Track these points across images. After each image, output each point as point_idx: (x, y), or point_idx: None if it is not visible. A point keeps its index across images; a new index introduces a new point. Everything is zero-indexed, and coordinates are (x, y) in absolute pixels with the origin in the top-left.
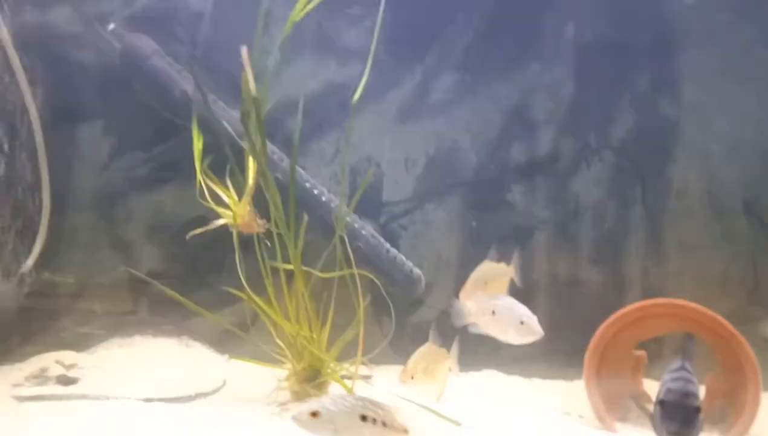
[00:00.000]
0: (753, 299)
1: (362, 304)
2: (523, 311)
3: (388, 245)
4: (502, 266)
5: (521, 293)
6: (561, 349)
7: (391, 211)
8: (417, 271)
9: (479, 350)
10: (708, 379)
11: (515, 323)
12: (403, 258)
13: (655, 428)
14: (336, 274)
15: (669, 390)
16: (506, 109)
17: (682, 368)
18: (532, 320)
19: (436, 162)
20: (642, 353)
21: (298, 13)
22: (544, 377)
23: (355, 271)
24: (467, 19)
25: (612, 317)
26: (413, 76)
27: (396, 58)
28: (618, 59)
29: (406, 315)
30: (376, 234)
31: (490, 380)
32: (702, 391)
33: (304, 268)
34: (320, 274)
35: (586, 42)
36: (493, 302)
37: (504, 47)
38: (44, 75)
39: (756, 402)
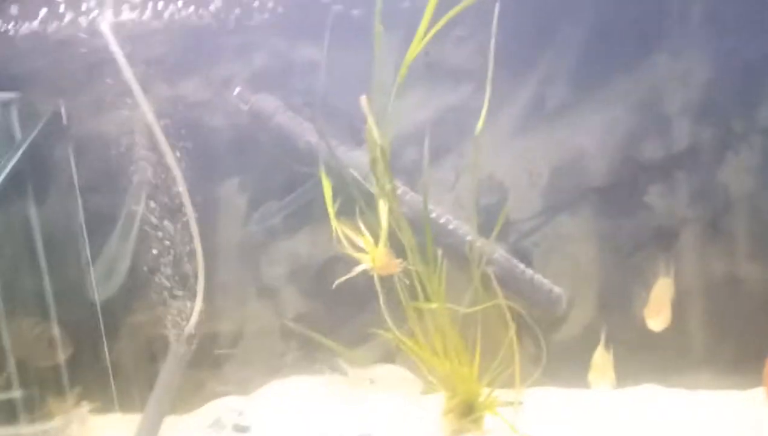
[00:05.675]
0: None
1: (511, 329)
2: None
3: (522, 266)
4: (669, 280)
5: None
6: (726, 356)
7: (519, 230)
8: (557, 289)
9: (633, 362)
10: None
11: None
12: (541, 277)
13: None
14: (481, 307)
15: None
16: (633, 105)
17: None
18: None
19: (562, 171)
20: None
21: (413, 52)
22: (709, 387)
23: (502, 301)
24: (581, 15)
25: None
26: (526, 85)
27: (505, 69)
28: (758, 35)
29: (548, 334)
30: (509, 256)
31: (650, 395)
32: None
33: (449, 305)
34: (465, 309)
35: (718, 21)
36: None
37: (624, 41)
38: (182, 144)
39: None
